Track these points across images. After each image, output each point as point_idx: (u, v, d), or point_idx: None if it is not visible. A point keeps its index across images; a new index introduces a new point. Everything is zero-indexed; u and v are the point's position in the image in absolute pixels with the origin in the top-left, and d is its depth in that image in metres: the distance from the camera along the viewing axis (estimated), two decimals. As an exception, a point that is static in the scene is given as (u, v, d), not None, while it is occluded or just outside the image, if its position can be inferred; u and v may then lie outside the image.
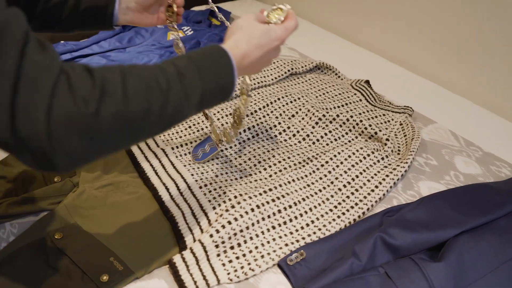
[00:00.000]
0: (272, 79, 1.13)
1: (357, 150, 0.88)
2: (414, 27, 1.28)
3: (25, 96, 0.38)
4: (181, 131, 0.97)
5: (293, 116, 1.00)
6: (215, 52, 0.54)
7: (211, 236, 0.69)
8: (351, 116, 0.98)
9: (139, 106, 0.45)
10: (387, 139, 0.93)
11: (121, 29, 1.33)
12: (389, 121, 1.01)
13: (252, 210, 0.73)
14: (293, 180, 0.81)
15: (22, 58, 0.38)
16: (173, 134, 0.96)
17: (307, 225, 0.76)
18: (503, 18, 1.06)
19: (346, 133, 0.97)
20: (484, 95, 1.16)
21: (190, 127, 0.97)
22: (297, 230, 0.75)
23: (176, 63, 0.51)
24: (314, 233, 0.74)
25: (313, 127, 0.98)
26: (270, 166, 0.87)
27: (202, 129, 0.96)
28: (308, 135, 0.96)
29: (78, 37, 1.35)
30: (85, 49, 1.23)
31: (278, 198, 0.77)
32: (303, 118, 1.00)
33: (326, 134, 0.96)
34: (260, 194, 0.76)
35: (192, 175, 0.82)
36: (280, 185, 0.79)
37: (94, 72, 0.43)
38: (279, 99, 1.03)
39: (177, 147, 0.89)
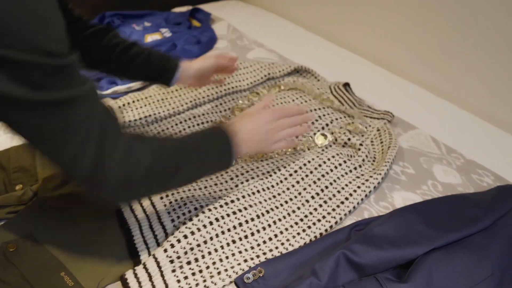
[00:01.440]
0: (248, 84, 1.09)
1: (328, 159, 0.84)
2: (397, 28, 1.24)
3: (107, 154, 0.51)
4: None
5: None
6: (223, 138, 0.67)
7: (165, 251, 0.65)
8: (327, 124, 0.94)
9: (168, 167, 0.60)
10: (361, 144, 0.89)
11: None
12: (366, 127, 0.97)
13: (211, 223, 0.70)
14: (258, 191, 0.78)
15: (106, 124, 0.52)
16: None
17: (270, 239, 0.72)
18: (487, 21, 1.02)
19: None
20: (469, 99, 1.12)
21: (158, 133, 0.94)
22: (258, 245, 0.71)
23: (192, 140, 0.65)
24: (276, 247, 0.71)
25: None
26: (237, 176, 0.83)
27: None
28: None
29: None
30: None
31: (240, 210, 0.73)
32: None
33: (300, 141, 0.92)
34: (221, 206, 0.73)
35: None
36: (243, 196, 0.76)
37: (146, 140, 0.58)
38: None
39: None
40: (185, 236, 0.67)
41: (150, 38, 1.27)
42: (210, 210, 0.71)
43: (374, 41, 1.32)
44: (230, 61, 0.93)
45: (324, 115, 0.96)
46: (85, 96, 0.49)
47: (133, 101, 1.01)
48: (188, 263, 0.67)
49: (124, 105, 0.99)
